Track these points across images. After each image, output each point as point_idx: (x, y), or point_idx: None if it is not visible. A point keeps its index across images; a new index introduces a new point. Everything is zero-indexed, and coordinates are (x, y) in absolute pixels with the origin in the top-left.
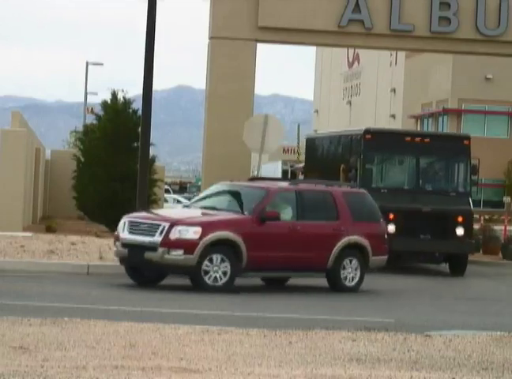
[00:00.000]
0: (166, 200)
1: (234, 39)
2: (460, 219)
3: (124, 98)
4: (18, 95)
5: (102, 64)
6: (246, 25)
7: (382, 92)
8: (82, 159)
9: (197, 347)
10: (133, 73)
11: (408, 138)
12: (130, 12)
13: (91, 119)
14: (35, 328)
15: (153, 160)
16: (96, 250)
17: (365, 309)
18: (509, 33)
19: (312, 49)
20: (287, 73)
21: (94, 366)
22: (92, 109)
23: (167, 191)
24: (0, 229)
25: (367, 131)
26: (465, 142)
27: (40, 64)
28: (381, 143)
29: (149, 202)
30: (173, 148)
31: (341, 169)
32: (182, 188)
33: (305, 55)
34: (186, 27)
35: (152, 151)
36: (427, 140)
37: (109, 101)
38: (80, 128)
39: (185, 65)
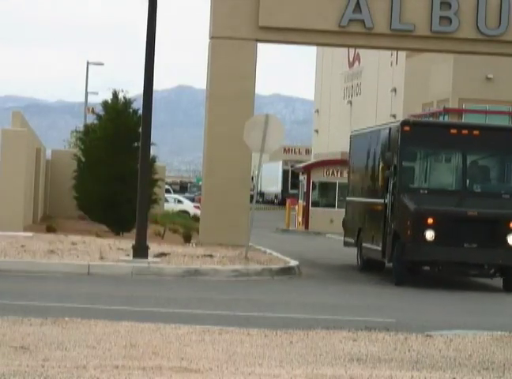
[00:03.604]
0: (166, 200)
1: (234, 39)
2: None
3: (125, 98)
4: (19, 94)
5: (103, 64)
6: (246, 25)
7: (383, 92)
8: (83, 159)
9: (197, 346)
10: (133, 72)
11: (454, 130)
12: (131, 12)
13: (91, 119)
14: (36, 328)
15: (154, 160)
16: (96, 250)
17: (366, 309)
18: (510, 33)
19: (313, 49)
20: (287, 73)
21: (94, 366)
22: (92, 109)
23: (167, 191)
24: (0, 229)
25: (405, 122)
26: None
27: (41, 64)
28: (421, 136)
29: (150, 202)
30: (174, 148)
31: (380, 167)
32: (182, 188)
33: (305, 55)
34: (186, 26)
35: (152, 151)
36: (476, 132)
37: (110, 101)
38: (81, 128)
39: (185, 64)
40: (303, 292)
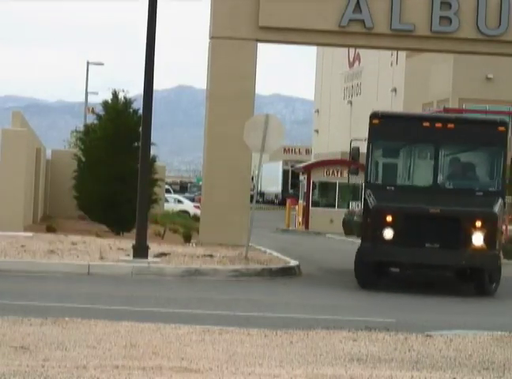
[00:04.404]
0: (166, 200)
1: (234, 39)
2: (478, 224)
3: (125, 98)
4: (19, 94)
5: (103, 64)
6: (246, 25)
7: (383, 92)
8: (83, 159)
9: (197, 346)
10: (133, 72)
11: (427, 123)
12: (131, 12)
13: (91, 119)
14: (36, 328)
15: (154, 160)
16: (96, 250)
17: (366, 309)
18: (510, 33)
19: (313, 49)
20: (287, 73)
21: (95, 366)
22: (92, 109)
23: (167, 191)
24: (1, 229)
25: (374, 115)
26: (500, 129)
27: (41, 64)
28: (391, 129)
29: (150, 202)
30: (174, 148)
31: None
32: (182, 188)
33: (306, 55)
34: (186, 26)
35: (152, 151)
36: (450, 125)
37: (110, 101)
38: (81, 128)
39: (185, 64)
40: (302, 292)
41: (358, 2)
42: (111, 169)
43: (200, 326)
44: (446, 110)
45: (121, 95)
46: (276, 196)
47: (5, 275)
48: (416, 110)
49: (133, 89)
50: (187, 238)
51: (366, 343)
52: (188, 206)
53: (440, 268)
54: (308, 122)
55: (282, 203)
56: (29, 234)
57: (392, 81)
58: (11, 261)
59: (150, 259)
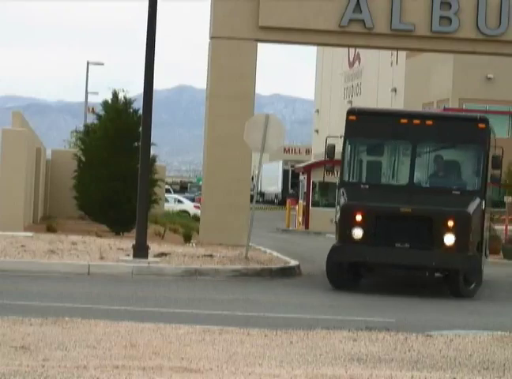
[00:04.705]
0: (166, 200)
1: (234, 39)
2: (450, 223)
3: (125, 98)
4: (19, 94)
5: (103, 64)
6: (246, 25)
7: (383, 92)
8: (83, 159)
9: (197, 346)
10: (133, 72)
11: (404, 120)
12: (131, 11)
13: (92, 119)
14: (36, 328)
15: (154, 160)
16: (96, 250)
17: (366, 309)
18: (510, 33)
19: (313, 49)
20: (287, 73)
21: (95, 366)
22: (92, 109)
23: (167, 191)
24: (1, 229)
25: (350, 111)
26: (480, 126)
27: (41, 64)
28: (368, 126)
29: (150, 202)
30: (174, 148)
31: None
32: (182, 188)
33: (306, 55)
34: (186, 26)
35: (152, 151)
36: (429, 122)
37: (110, 101)
38: (81, 128)
39: (185, 64)
40: (303, 292)
41: (358, 2)
42: (111, 169)
43: (200, 326)
44: (446, 110)
45: (121, 95)
46: (276, 196)
47: (5, 275)
48: (417, 109)
49: (133, 89)
50: (187, 238)
51: (366, 343)
52: (188, 206)
53: (411, 269)
54: (308, 122)
55: (282, 203)
56: (29, 234)
57: (392, 81)
58: (11, 261)
59: (150, 259)
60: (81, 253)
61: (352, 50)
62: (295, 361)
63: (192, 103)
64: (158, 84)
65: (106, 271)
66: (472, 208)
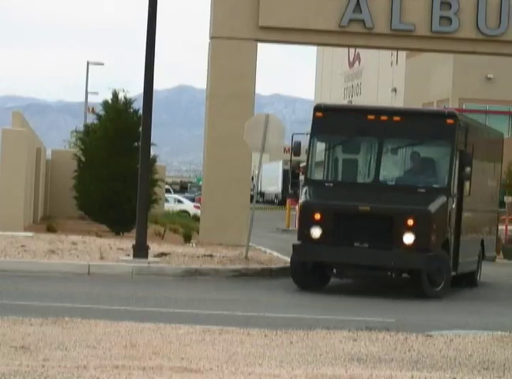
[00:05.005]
0: (166, 200)
1: (234, 39)
2: (410, 222)
3: (125, 98)
4: (19, 94)
5: (103, 64)
6: (246, 25)
7: (383, 92)
8: (83, 159)
9: (197, 346)
10: (133, 72)
11: (372, 116)
12: (131, 11)
13: (92, 119)
14: (36, 328)
15: (154, 160)
16: (96, 250)
17: (366, 309)
18: (510, 33)
19: (313, 48)
20: (287, 73)
21: (95, 366)
22: (92, 109)
23: (167, 191)
24: (1, 229)
25: (317, 107)
26: (448, 121)
27: (41, 64)
28: (335, 123)
29: (150, 202)
30: (174, 148)
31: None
32: (182, 188)
33: (306, 55)
34: (186, 26)
35: (152, 151)
36: (396, 118)
37: (110, 101)
38: (81, 128)
39: (185, 64)
40: (302, 292)
41: (358, 2)
42: (111, 169)
43: (200, 326)
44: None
45: (121, 95)
46: (276, 196)
47: (5, 275)
48: None
49: (133, 89)
50: (187, 238)
51: (366, 343)
52: (188, 206)
53: (370, 270)
54: (308, 122)
55: (282, 203)
56: (29, 234)
57: (392, 81)
58: (11, 261)
59: (150, 259)
60: (81, 253)
61: (352, 50)
62: (295, 361)
63: (192, 103)
64: (158, 84)
65: (106, 271)
66: (434, 206)
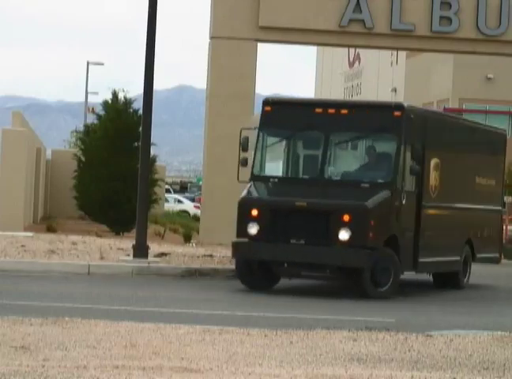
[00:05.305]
0: (166, 200)
1: (234, 39)
2: (346, 218)
3: (125, 98)
4: (19, 94)
5: (103, 64)
6: (246, 25)
7: (383, 92)
8: (83, 159)
9: (197, 346)
10: (133, 72)
11: (319, 109)
12: (131, 11)
13: (92, 119)
14: (36, 328)
15: (154, 160)
16: (96, 250)
17: (366, 309)
18: (510, 33)
19: (313, 49)
20: (287, 73)
21: (95, 366)
22: (92, 109)
23: (167, 191)
24: (1, 229)
25: (265, 101)
26: (395, 114)
27: (41, 64)
28: (283, 117)
29: (150, 202)
30: (174, 148)
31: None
32: (182, 188)
33: (306, 55)
34: (186, 26)
35: (152, 151)
36: (343, 111)
37: (110, 101)
38: (81, 128)
39: (185, 64)
40: (302, 292)
41: (358, 2)
42: (111, 169)
43: (200, 326)
44: (446, 110)
45: (121, 95)
46: None
47: (5, 275)
48: None
49: (133, 89)
50: (187, 238)
51: (366, 343)
52: (188, 206)
53: (307, 267)
54: None
55: None
56: (29, 234)
57: (392, 81)
58: (11, 261)
59: (150, 259)
60: (81, 253)
61: (352, 50)
62: (295, 361)
63: (192, 103)
64: (158, 84)
65: (106, 271)
66: (374, 201)
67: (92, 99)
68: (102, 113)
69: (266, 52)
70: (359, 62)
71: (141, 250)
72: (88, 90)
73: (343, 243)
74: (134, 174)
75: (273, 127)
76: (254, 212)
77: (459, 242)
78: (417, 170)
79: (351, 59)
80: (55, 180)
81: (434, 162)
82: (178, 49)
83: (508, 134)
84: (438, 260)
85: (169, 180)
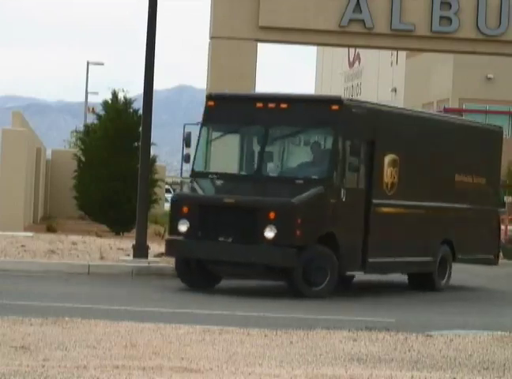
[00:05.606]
0: (166, 200)
1: (234, 39)
2: (271, 215)
3: (125, 98)
4: (19, 94)
5: (103, 64)
6: (246, 25)
7: (383, 92)
8: (83, 159)
9: (197, 346)
10: (133, 72)
11: (260, 104)
12: (131, 11)
13: (92, 119)
14: (36, 328)
15: (154, 160)
16: (96, 250)
17: (365, 309)
18: (510, 33)
19: (313, 49)
20: (287, 73)
21: (95, 366)
22: (92, 109)
23: (167, 191)
24: (1, 229)
25: (209, 96)
26: (333, 108)
27: (41, 64)
28: (225, 112)
29: (150, 202)
30: (174, 148)
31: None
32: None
33: (306, 55)
34: (186, 26)
35: (152, 151)
36: (283, 105)
37: (110, 101)
38: (81, 128)
39: (185, 64)
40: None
41: (358, 2)
42: (111, 169)
43: (200, 326)
44: (446, 110)
45: (121, 95)
46: None
47: (5, 275)
48: None
49: (133, 89)
50: None
51: (366, 342)
52: None
53: (235, 266)
54: None
55: None
56: (29, 233)
57: (392, 81)
58: (11, 261)
59: (150, 259)
60: (81, 253)
61: (352, 50)
62: (295, 361)
63: (192, 103)
64: (158, 84)
65: (106, 271)
66: (303, 198)
67: (92, 99)
68: (102, 113)
69: (266, 52)
70: (359, 62)
71: (141, 250)
72: (88, 90)
73: (269, 241)
74: (134, 174)
75: (215, 122)
76: (185, 209)
77: (431, 242)
78: (354, 166)
79: (351, 59)
80: (55, 180)
81: (389, 158)
82: (178, 49)
83: (508, 134)
84: (396, 260)
85: (169, 180)
